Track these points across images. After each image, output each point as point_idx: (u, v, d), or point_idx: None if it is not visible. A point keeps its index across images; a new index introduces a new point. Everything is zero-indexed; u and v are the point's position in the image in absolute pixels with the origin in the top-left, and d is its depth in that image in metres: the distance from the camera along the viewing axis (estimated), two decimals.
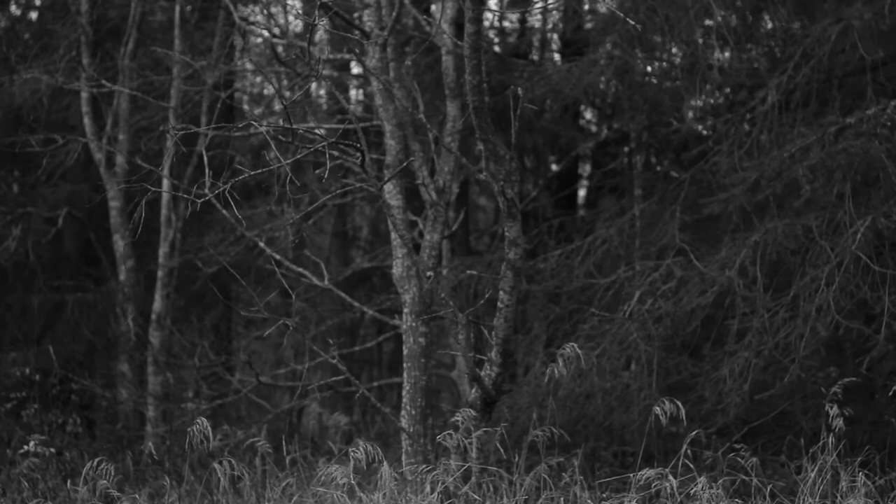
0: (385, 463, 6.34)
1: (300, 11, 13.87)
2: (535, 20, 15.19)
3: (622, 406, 10.02)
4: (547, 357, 10.51)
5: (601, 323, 10.20)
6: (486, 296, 7.85)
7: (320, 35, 13.57)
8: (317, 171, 11.83)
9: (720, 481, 6.84)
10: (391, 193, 8.12)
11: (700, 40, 10.33)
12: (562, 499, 7.16)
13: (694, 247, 10.24)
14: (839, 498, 6.58)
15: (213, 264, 12.37)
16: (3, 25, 14.56)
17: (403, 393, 7.97)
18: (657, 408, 6.89)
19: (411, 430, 7.82)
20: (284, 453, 8.30)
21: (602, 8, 12.22)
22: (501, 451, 8.07)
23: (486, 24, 14.63)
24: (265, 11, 14.59)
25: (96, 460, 6.91)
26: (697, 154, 10.53)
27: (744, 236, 9.75)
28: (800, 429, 9.28)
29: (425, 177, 8.31)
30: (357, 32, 8.33)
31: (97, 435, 12.36)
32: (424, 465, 7.27)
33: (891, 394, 8.43)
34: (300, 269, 8.68)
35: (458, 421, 7.10)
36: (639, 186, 11.93)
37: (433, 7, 13.07)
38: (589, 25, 13.55)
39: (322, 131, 8.92)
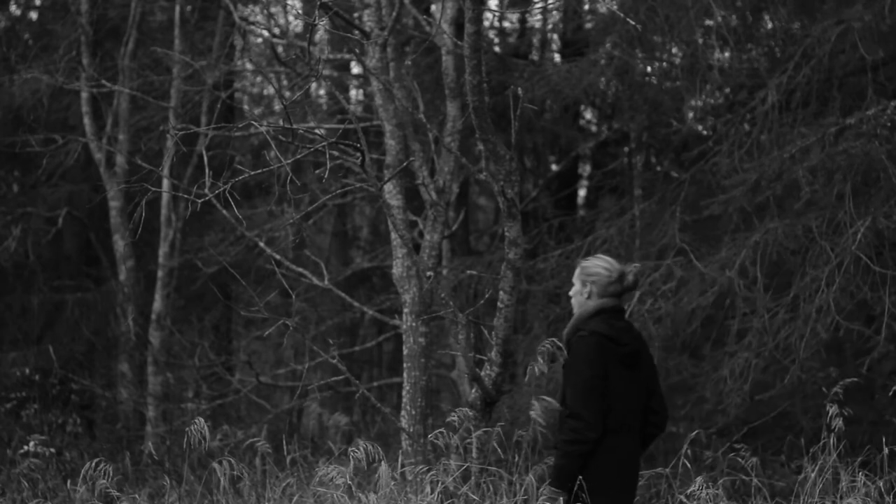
0: (384, 463, 6.33)
1: (300, 11, 13.87)
2: (535, 20, 15.20)
3: None
4: (547, 357, 10.50)
5: None
6: (486, 296, 7.84)
7: (320, 35, 13.57)
8: (317, 171, 11.83)
9: (720, 481, 6.84)
10: (391, 193, 8.11)
11: (700, 40, 10.32)
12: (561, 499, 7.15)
13: (694, 247, 10.24)
14: (839, 498, 6.58)
15: (213, 264, 12.37)
16: (3, 25, 14.56)
17: (403, 393, 7.97)
18: None
19: (411, 430, 7.82)
20: (284, 453, 8.30)
21: (602, 8, 12.21)
22: (500, 451, 8.07)
23: (486, 24, 14.64)
24: (265, 11, 14.60)
25: (96, 460, 6.90)
26: (697, 154, 10.53)
27: (744, 236, 9.75)
28: (800, 429, 9.28)
29: (425, 177, 8.31)
30: (357, 32, 8.33)
31: (97, 435, 12.36)
32: (424, 466, 7.26)
33: (891, 394, 8.43)
34: (300, 269, 8.67)
35: (454, 421, 7.09)
36: (639, 186, 11.93)
37: (433, 7, 13.07)
38: (589, 25, 13.56)
39: (322, 131, 8.91)
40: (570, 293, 5.77)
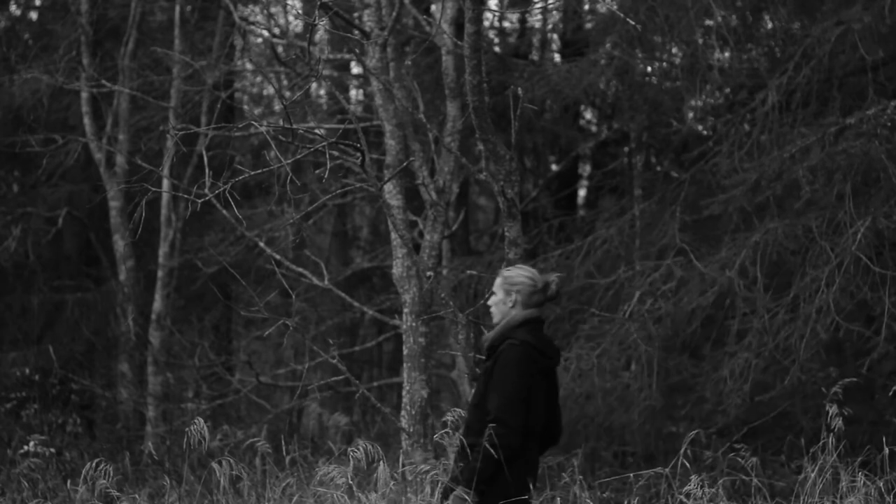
0: (384, 462, 6.33)
1: (300, 11, 13.87)
2: (535, 20, 15.20)
3: (622, 406, 10.02)
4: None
5: (601, 323, 10.20)
6: (487, 296, 7.84)
7: (320, 35, 13.57)
8: (317, 171, 11.83)
9: (720, 481, 6.84)
10: (391, 193, 8.11)
11: (700, 40, 10.32)
12: (558, 499, 7.17)
13: (694, 247, 10.23)
14: (839, 498, 6.58)
15: (213, 264, 12.37)
16: (3, 25, 14.56)
17: (403, 393, 7.97)
18: None
19: (411, 430, 7.82)
20: (284, 453, 8.30)
21: (602, 8, 12.21)
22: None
23: (486, 24, 14.64)
24: (265, 11, 14.60)
25: (96, 460, 6.90)
26: (697, 154, 10.53)
27: (744, 236, 9.75)
28: (800, 429, 9.28)
29: (425, 177, 8.31)
30: (357, 32, 8.33)
31: (97, 435, 12.36)
32: (424, 465, 7.26)
33: (891, 394, 8.43)
34: (300, 269, 8.68)
35: (448, 420, 7.09)
36: (639, 186, 11.92)
37: (433, 7, 13.07)
38: (589, 25, 13.56)
39: (322, 131, 8.91)
40: (491, 302, 5.82)
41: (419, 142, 8.44)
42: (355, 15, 12.51)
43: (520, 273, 5.78)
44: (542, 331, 5.73)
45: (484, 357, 5.73)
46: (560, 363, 5.94)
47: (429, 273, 8.00)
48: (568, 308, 10.97)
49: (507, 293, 5.74)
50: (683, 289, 9.90)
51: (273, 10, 14.58)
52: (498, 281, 5.79)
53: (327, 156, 6.79)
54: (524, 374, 5.53)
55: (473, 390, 5.79)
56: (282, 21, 14.91)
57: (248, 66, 14.11)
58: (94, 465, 6.81)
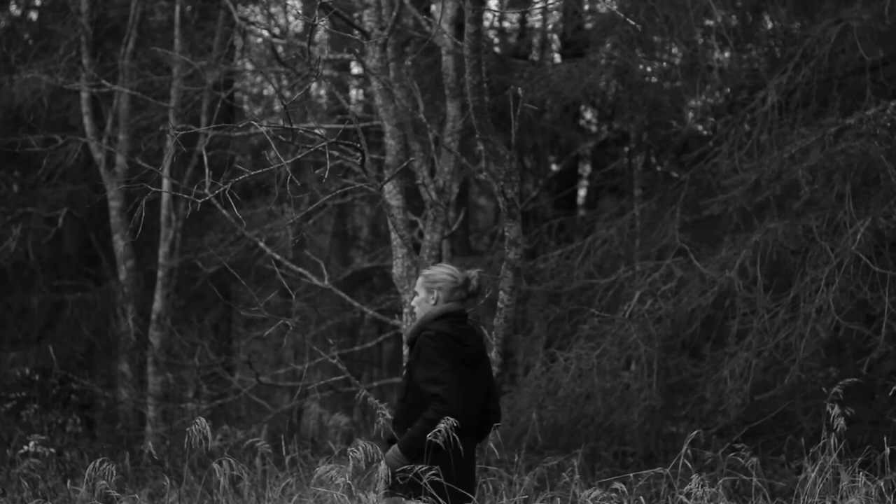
0: (384, 462, 6.33)
1: (300, 11, 13.87)
2: (535, 20, 15.20)
3: (622, 406, 10.01)
4: (547, 357, 10.52)
5: (601, 323, 10.20)
6: (486, 296, 7.85)
7: (320, 35, 13.57)
8: (317, 171, 11.83)
9: (720, 481, 6.84)
10: (391, 193, 8.12)
11: (700, 41, 10.33)
12: (558, 499, 7.17)
13: (694, 247, 10.23)
14: (839, 498, 6.58)
15: (213, 264, 12.38)
16: (3, 25, 14.56)
17: None
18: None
19: None
20: (284, 453, 8.30)
21: (602, 8, 12.21)
22: (496, 452, 8.06)
23: (486, 24, 14.64)
24: (265, 11, 14.59)
25: (99, 460, 6.91)
26: (697, 155, 10.53)
27: (744, 237, 9.75)
28: (800, 429, 9.28)
29: (425, 177, 8.31)
30: (357, 32, 8.34)
31: (97, 435, 12.36)
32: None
33: (891, 394, 8.43)
34: (300, 269, 8.68)
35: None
36: (639, 186, 11.92)
37: (433, 7, 13.08)
38: (589, 26, 13.56)
39: (322, 131, 8.92)
40: (413, 302, 5.95)
41: (419, 142, 8.45)
42: (355, 15, 12.51)
43: (440, 271, 5.91)
44: (463, 323, 5.85)
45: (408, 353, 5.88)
46: (489, 350, 6.09)
47: None
48: (568, 308, 10.97)
49: (428, 291, 5.88)
50: (683, 289, 9.90)
51: (273, 10, 14.58)
52: (419, 280, 5.94)
53: (327, 156, 6.79)
54: (447, 357, 5.65)
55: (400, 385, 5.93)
56: (282, 21, 14.91)
57: (248, 66, 14.11)
58: (97, 464, 6.82)
